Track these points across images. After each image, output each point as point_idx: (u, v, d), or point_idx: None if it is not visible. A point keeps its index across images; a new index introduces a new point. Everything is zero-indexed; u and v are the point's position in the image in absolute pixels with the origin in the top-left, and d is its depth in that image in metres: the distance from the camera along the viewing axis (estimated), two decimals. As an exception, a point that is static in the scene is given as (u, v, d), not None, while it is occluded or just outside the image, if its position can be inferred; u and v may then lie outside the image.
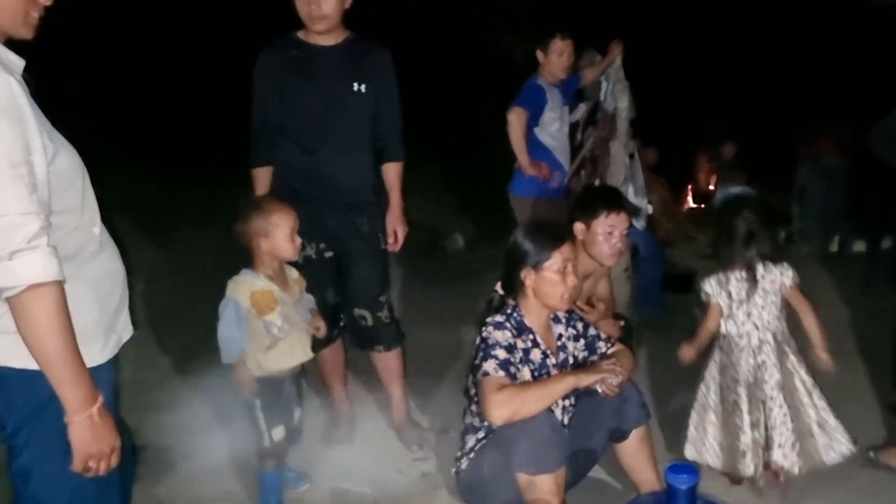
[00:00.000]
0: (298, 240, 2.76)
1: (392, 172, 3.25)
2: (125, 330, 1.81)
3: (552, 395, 2.50)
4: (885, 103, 3.49)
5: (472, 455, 2.66)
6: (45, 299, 1.48)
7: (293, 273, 2.90)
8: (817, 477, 3.02)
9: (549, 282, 2.58)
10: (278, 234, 2.70)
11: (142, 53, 9.35)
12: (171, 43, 9.39)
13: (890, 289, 3.58)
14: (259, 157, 3.17)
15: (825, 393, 3.02)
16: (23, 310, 1.48)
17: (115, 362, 1.76)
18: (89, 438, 1.58)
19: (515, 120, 4.05)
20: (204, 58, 9.26)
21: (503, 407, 2.41)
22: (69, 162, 1.62)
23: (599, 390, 2.55)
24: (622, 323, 3.39)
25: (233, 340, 2.68)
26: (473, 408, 2.67)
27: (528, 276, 2.62)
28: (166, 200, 8.02)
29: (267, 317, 2.69)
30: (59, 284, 1.50)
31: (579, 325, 2.81)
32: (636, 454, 2.71)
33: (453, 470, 2.78)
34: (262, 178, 3.20)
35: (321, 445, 3.37)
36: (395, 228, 3.26)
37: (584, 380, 2.53)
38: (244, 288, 2.69)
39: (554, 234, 2.63)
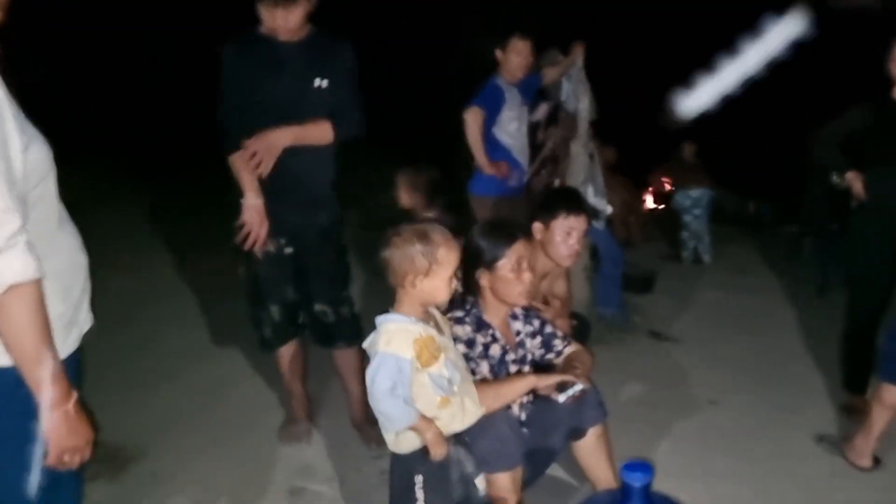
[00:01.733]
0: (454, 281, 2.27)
1: (317, 120, 3.05)
2: (86, 321, 1.79)
3: (510, 395, 2.52)
4: (834, 108, 3.58)
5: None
6: (24, 298, 1.46)
7: (435, 310, 2.37)
8: (775, 465, 3.10)
9: (504, 280, 2.60)
10: (441, 273, 2.18)
11: (116, 43, 9.21)
12: (145, 33, 9.26)
13: (843, 293, 3.66)
14: (234, 143, 3.04)
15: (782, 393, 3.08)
16: (1, 309, 1.46)
17: (77, 354, 1.73)
18: (65, 433, 1.58)
19: (472, 120, 4.05)
20: (178, 47, 9.16)
21: None
22: (40, 154, 1.58)
23: (561, 401, 2.56)
24: (575, 322, 3.42)
25: (406, 410, 2.15)
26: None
27: (482, 276, 2.63)
28: (141, 193, 7.95)
29: (432, 368, 2.18)
30: (39, 282, 1.48)
31: (536, 323, 2.82)
32: (593, 452, 2.73)
33: (412, 467, 2.78)
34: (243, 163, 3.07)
35: (279, 443, 3.35)
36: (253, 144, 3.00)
37: (544, 381, 2.54)
38: (403, 337, 2.15)
39: (506, 232, 2.63)
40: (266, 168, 2.99)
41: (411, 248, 2.14)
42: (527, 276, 2.60)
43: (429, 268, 2.15)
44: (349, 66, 3.08)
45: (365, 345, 2.23)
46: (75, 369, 1.72)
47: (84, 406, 1.64)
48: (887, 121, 3.16)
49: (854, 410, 3.56)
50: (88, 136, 8.91)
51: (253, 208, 3.04)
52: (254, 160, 2.97)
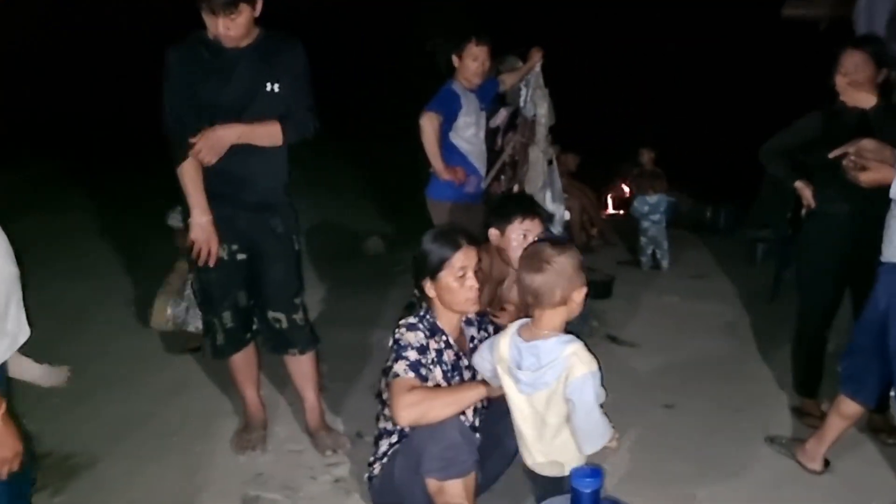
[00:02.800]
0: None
1: (264, 121, 2.99)
2: (20, 332, 1.74)
3: (462, 402, 2.51)
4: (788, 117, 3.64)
5: (384, 460, 2.65)
6: None
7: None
8: (728, 467, 3.13)
9: (447, 289, 2.59)
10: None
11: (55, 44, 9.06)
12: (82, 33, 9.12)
13: (794, 298, 3.72)
14: (183, 155, 2.98)
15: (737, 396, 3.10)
16: None
17: (3, 366, 1.69)
18: None
19: (428, 125, 4.03)
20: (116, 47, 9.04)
21: (411, 408, 2.41)
22: None
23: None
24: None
25: (608, 424, 2.24)
26: (386, 412, 2.65)
27: (427, 285, 2.63)
28: (83, 195, 7.81)
29: None
30: None
31: (491, 329, 2.83)
32: (549, 456, 2.74)
33: (366, 475, 2.76)
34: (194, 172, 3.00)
35: (233, 452, 3.31)
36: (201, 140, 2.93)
37: (496, 390, 2.54)
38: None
39: (449, 240, 2.62)
40: (208, 162, 2.93)
41: (569, 267, 2.19)
42: (470, 283, 2.59)
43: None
44: (300, 67, 3.04)
45: (553, 377, 2.19)
46: (4, 379, 1.68)
47: (14, 416, 1.60)
48: (834, 130, 3.22)
49: (805, 413, 3.62)
50: (23, 137, 8.76)
51: (200, 226, 2.99)
52: (199, 155, 2.92)
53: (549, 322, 2.23)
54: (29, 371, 2.58)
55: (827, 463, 3.13)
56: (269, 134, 2.99)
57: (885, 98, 3.22)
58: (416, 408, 2.41)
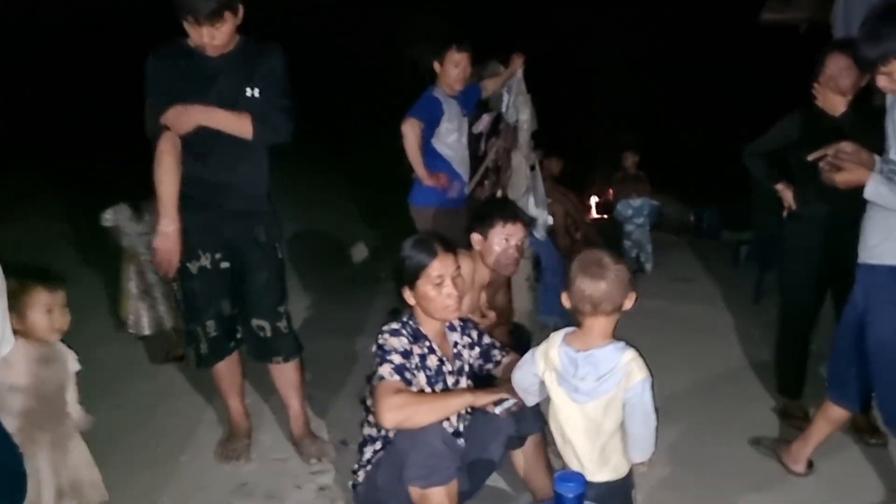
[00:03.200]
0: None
1: (240, 112, 2.97)
2: (4, 341, 1.73)
3: (447, 409, 2.51)
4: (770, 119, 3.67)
5: (368, 468, 2.64)
6: None
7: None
8: (714, 470, 3.14)
9: (425, 297, 2.59)
10: None
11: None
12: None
13: (777, 300, 3.74)
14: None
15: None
16: None
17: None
18: None
19: (410, 131, 4.04)
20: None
21: (396, 411, 2.40)
22: None
23: (498, 412, 2.55)
24: (511, 328, 3.44)
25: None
26: (371, 418, 2.64)
27: (406, 294, 2.63)
28: (66, 201, 7.75)
29: None
30: None
31: (474, 334, 2.83)
32: (532, 461, 2.74)
33: (350, 483, 2.75)
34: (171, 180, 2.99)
35: (217, 461, 3.29)
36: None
37: (482, 399, 2.54)
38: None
39: (426, 249, 2.60)
40: (176, 131, 2.92)
41: (625, 275, 2.19)
42: (447, 291, 2.58)
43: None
44: (277, 71, 3.03)
45: (613, 385, 2.17)
46: None
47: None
48: (812, 132, 3.25)
49: (788, 414, 3.64)
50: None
51: (165, 235, 2.97)
52: (167, 120, 2.90)
53: (602, 329, 2.21)
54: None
55: (811, 464, 3.15)
56: (239, 124, 2.94)
57: (867, 102, 3.24)
58: (401, 411, 2.40)
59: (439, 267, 2.57)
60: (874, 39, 2.49)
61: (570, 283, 2.21)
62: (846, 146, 2.76)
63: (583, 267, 2.20)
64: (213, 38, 2.84)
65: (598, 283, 2.15)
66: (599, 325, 2.20)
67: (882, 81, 2.55)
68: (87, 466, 2.59)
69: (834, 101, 3.18)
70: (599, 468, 2.25)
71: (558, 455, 2.38)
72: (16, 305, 2.36)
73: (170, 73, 2.93)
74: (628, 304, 2.21)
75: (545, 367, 2.30)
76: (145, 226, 4.25)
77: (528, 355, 2.38)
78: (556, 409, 2.29)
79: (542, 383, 2.32)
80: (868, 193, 2.63)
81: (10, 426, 2.29)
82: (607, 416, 2.20)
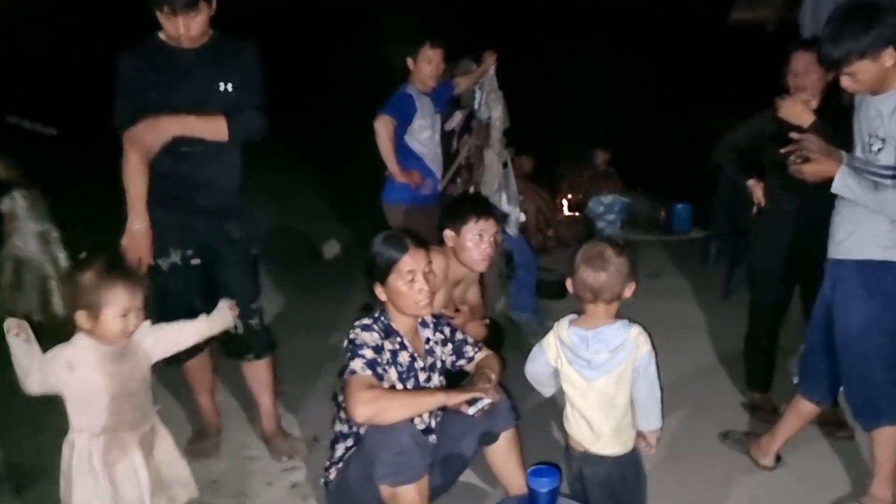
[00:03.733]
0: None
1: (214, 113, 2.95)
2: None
3: (419, 407, 2.51)
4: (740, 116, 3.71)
5: (340, 465, 2.63)
6: None
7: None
8: (684, 464, 3.17)
9: (397, 293, 2.59)
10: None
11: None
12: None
13: (747, 296, 3.78)
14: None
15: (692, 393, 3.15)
16: None
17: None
18: None
19: (383, 128, 4.03)
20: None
21: (368, 405, 2.39)
22: None
23: (471, 412, 2.56)
24: (487, 320, 3.44)
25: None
26: (342, 415, 2.63)
27: (378, 289, 2.62)
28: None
29: None
30: None
31: (447, 330, 2.83)
32: (505, 457, 2.75)
33: (322, 480, 2.74)
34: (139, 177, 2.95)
35: (187, 459, 3.25)
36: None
37: (454, 399, 2.54)
38: None
39: (398, 244, 2.62)
40: (149, 147, 2.88)
41: (626, 267, 2.33)
42: (419, 287, 2.59)
43: None
44: (251, 67, 3.02)
45: (624, 357, 2.33)
46: None
47: None
48: (783, 129, 3.29)
49: (757, 408, 3.68)
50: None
51: (135, 234, 2.94)
52: (135, 134, 2.86)
53: (605, 315, 2.36)
54: (189, 331, 2.53)
55: (778, 458, 3.19)
56: (214, 128, 2.93)
57: (836, 99, 3.29)
58: (372, 405, 2.39)
59: (410, 262, 2.58)
60: (836, 40, 2.52)
61: (574, 272, 2.36)
62: (810, 138, 2.81)
63: (586, 258, 2.35)
64: (189, 28, 2.82)
65: (599, 273, 2.31)
66: (602, 310, 2.36)
67: (846, 82, 2.59)
68: (174, 461, 2.51)
69: (800, 113, 3.19)
70: (614, 442, 2.37)
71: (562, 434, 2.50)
72: (90, 301, 2.23)
73: (141, 68, 2.90)
74: (628, 292, 2.36)
75: (557, 353, 2.41)
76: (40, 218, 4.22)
77: (535, 349, 2.47)
78: (569, 389, 2.40)
79: (555, 371, 2.44)
80: (836, 187, 2.66)
81: (98, 429, 2.26)
82: (619, 389, 2.34)
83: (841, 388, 2.99)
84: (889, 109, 2.54)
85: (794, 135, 2.87)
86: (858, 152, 2.69)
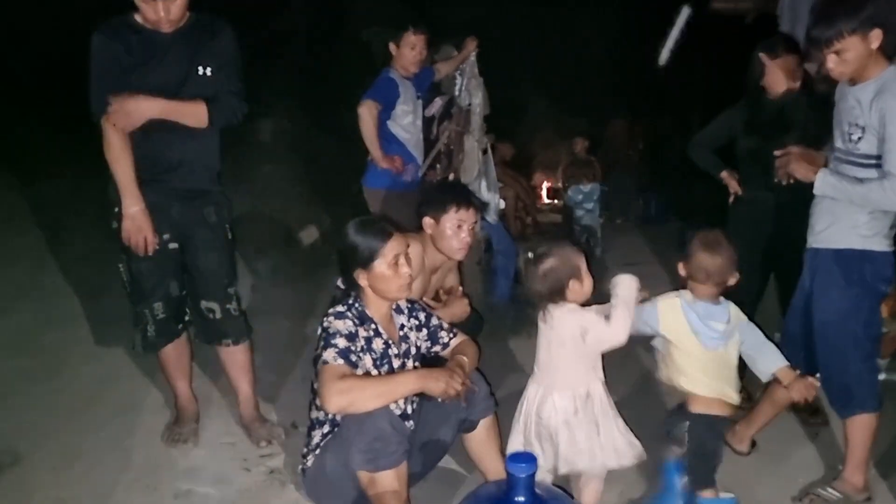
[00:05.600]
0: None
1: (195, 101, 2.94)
2: None
3: (392, 394, 2.50)
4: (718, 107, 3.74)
5: (317, 451, 2.63)
6: None
7: None
8: (659, 449, 3.20)
9: (381, 277, 2.59)
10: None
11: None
12: None
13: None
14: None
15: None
16: None
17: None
18: None
19: (367, 113, 4.03)
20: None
21: (341, 395, 2.39)
22: None
23: (440, 399, 2.56)
24: (467, 300, 3.44)
25: None
26: (318, 401, 2.63)
27: (360, 276, 2.62)
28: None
29: None
30: None
31: (421, 316, 2.83)
32: (484, 444, 2.76)
33: (300, 467, 2.74)
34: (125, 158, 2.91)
35: (164, 445, 3.24)
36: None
37: (428, 383, 2.52)
38: None
39: (380, 229, 2.62)
40: (123, 127, 2.84)
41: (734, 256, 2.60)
42: (404, 270, 2.60)
43: None
44: (230, 51, 3.00)
45: (734, 327, 2.63)
46: None
47: None
48: (756, 120, 3.33)
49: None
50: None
51: (131, 217, 2.91)
52: (112, 118, 2.83)
53: (709, 294, 2.61)
54: None
55: (753, 444, 3.23)
56: (193, 113, 2.91)
57: (808, 91, 3.34)
58: (345, 395, 2.39)
59: (396, 247, 2.59)
60: (830, 17, 2.59)
61: (690, 256, 2.61)
62: (795, 149, 2.88)
63: (704, 243, 2.60)
64: (169, 12, 2.79)
65: (715, 257, 2.56)
66: (708, 291, 2.60)
67: (832, 62, 2.63)
68: None
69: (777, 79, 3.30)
70: (720, 401, 2.62)
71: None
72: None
73: (116, 49, 2.85)
74: (732, 280, 2.60)
75: (671, 323, 2.63)
76: None
77: (648, 307, 2.68)
78: (688, 354, 2.61)
79: (661, 338, 2.69)
80: (818, 188, 2.73)
81: None
82: (731, 351, 2.63)
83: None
84: (867, 98, 2.59)
85: (777, 153, 2.97)
86: (839, 143, 2.74)
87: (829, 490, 2.89)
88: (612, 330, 2.56)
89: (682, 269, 2.65)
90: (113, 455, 3.16)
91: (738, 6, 5.99)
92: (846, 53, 2.57)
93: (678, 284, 2.75)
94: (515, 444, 2.65)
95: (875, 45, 2.55)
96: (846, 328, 2.77)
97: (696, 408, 2.63)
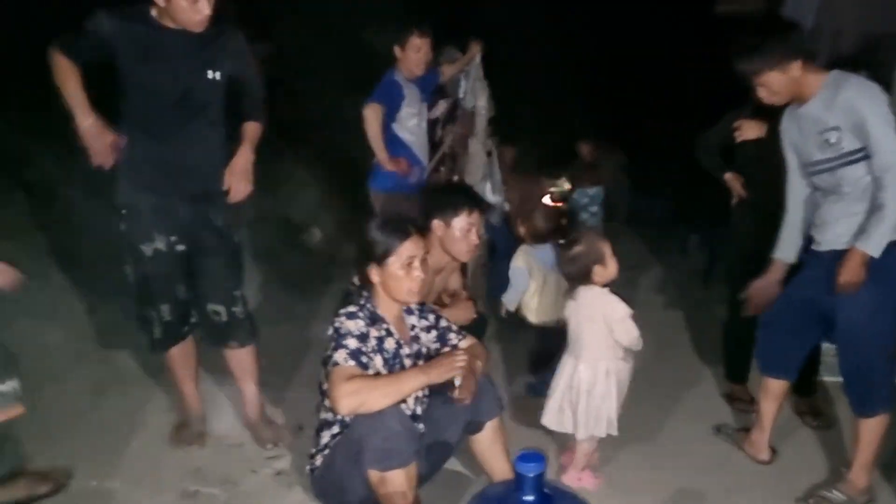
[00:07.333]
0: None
1: (250, 128, 3.10)
2: None
3: (401, 391, 2.51)
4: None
5: (325, 452, 2.63)
6: None
7: None
8: (656, 454, 3.20)
9: (393, 277, 2.60)
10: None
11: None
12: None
13: (726, 285, 3.82)
14: (71, 50, 2.80)
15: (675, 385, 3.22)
16: None
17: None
18: None
19: (372, 115, 4.03)
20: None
21: (351, 397, 2.40)
22: None
23: (456, 395, 2.57)
24: (472, 303, 3.44)
25: None
26: (327, 402, 2.63)
27: (373, 271, 2.62)
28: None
29: None
30: None
31: (431, 317, 2.84)
32: (490, 445, 2.77)
33: (308, 467, 2.74)
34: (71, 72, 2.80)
35: (171, 447, 3.25)
36: (234, 178, 3.04)
37: (433, 374, 2.54)
38: None
39: (399, 229, 2.63)
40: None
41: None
42: (416, 274, 2.61)
43: None
44: (244, 55, 3.02)
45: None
46: None
47: None
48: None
49: (735, 398, 3.73)
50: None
51: (86, 129, 2.79)
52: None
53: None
54: None
55: (774, 451, 3.23)
56: (257, 134, 3.12)
57: None
58: (355, 396, 2.40)
59: (412, 248, 2.59)
60: (748, 54, 2.63)
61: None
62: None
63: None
64: (206, 8, 2.78)
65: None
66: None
67: (762, 93, 2.69)
68: None
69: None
70: None
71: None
72: None
73: (125, 34, 2.81)
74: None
75: None
76: None
77: None
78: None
79: None
80: (875, 252, 2.63)
81: None
82: None
83: (824, 377, 3.03)
84: (824, 106, 2.62)
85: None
86: (818, 155, 2.72)
87: (834, 492, 2.89)
88: (625, 327, 2.94)
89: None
90: (120, 455, 3.18)
91: (744, 8, 5.99)
92: (772, 86, 2.63)
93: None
94: (550, 409, 3.01)
95: (797, 73, 2.60)
96: (874, 326, 2.74)
97: None
